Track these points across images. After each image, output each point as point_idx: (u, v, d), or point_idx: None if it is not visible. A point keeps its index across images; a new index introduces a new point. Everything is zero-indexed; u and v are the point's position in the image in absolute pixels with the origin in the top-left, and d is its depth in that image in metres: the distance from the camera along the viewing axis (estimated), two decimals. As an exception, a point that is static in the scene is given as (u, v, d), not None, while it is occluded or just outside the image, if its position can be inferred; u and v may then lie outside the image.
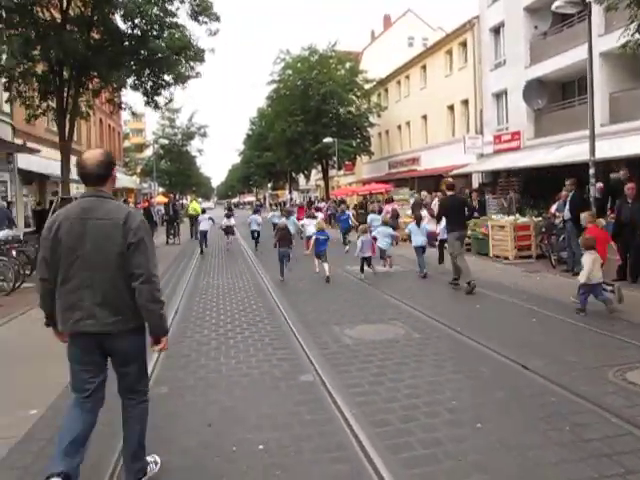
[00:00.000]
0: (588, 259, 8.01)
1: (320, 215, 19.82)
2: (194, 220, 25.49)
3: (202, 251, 19.02)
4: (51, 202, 17.98)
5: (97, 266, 3.25)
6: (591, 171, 12.08)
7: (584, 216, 9.58)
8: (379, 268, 13.07)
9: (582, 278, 8.01)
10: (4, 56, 15.24)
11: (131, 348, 3.44)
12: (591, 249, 8.16)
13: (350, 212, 23.10)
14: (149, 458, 3.67)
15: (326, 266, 12.06)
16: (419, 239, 12.66)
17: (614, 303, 7.97)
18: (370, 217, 17.56)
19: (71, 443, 3.27)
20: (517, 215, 15.57)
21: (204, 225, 19.89)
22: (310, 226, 15.61)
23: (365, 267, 12.40)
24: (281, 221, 15.60)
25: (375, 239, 13.36)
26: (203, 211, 22.34)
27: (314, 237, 12.79)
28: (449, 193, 11.53)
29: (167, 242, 23.93)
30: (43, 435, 4.36)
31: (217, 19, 16.53)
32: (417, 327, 7.54)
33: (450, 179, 12.43)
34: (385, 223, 14.44)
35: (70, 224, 3.29)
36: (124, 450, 3.55)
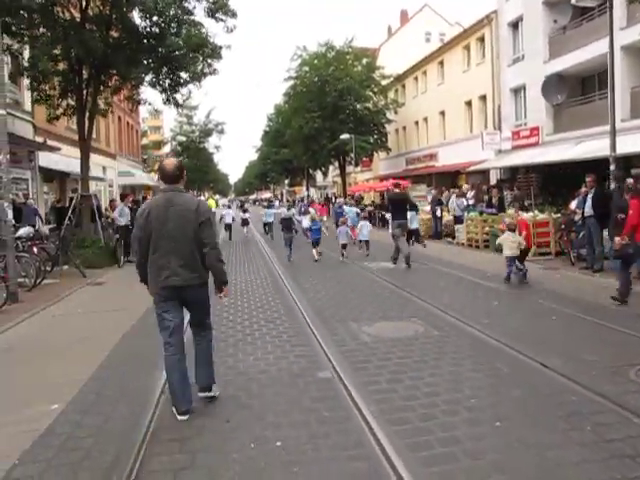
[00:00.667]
0: (504, 236, 10.75)
1: (312, 210, 21.94)
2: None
3: (230, 237, 22.95)
4: (71, 199, 18.19)
5: (178, 239, 4.53)
6: (612, 167, 11.91)
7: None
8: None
9: (507, 252, 10.52)
10: (26, 55, 15.46)
11: (201, 295, 4.79)
12: (513, 231, 10.65)
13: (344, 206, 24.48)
14: (214, 387, 4.92)
15: (314, 251, 14.85)
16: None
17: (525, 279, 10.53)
18: (346, 209, 20.44)
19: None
20: (535, 212, 15.39)
21: (228, 219, 23.61)
22: (304, 220, 18.76)
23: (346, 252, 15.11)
24: (286, 212, 18.85)
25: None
26: (228, 207, 28.25)
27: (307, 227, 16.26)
28: (395, 190, 15.03)
29: None
30: (64, 429, 4.42)
31: (234, 15, 16.49)
32: (436, 324, 7.50)
33: (399, 182, 15.59)
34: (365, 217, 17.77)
35: (157, 211, 4.57)
36: (196, 371, 4.89)
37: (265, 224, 24.57)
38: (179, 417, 4.52)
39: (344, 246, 15.06)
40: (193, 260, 4.57)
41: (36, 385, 5.57)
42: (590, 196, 11.74)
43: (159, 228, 4.51)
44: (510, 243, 10.50)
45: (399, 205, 13.70)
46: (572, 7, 18.69)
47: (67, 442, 4.18)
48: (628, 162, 16.73)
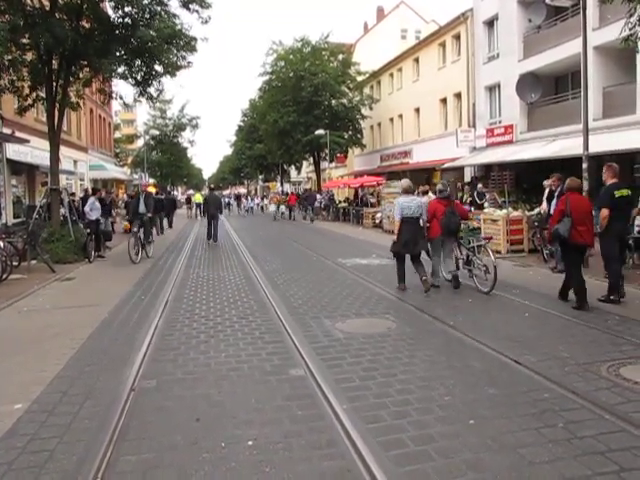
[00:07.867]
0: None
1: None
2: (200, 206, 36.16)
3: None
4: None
5: (214, 204, 20.22)
6: (584, 165, 12.03)
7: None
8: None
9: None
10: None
11: (217, 216, 20.14)
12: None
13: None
14: (218, 242, 19.79)
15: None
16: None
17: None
18: None
19: (211, 236, 19.91)
20: (510, 209, 15.50)
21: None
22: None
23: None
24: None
25: None
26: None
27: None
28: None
29: (158, 235, 21.22)
30: (27, 430, 4.26)
31: (208, 6, 16.23)
32: (409, 321, 7.48)
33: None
34: None
35: (209, 197, 21.65)
36: (213, 235, 19.64)
37: None
38: (208, 241, 19.49)
39: (246, 210, 41.96)
40: (217, 209, 19.97)
41: (-1, 384, 5.40)
42: (556, 194, 11.81)
43: (209, 201, 20.58)
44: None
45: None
46: (546, 7, 18.87)
47: (30, 443, 4.03)
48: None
